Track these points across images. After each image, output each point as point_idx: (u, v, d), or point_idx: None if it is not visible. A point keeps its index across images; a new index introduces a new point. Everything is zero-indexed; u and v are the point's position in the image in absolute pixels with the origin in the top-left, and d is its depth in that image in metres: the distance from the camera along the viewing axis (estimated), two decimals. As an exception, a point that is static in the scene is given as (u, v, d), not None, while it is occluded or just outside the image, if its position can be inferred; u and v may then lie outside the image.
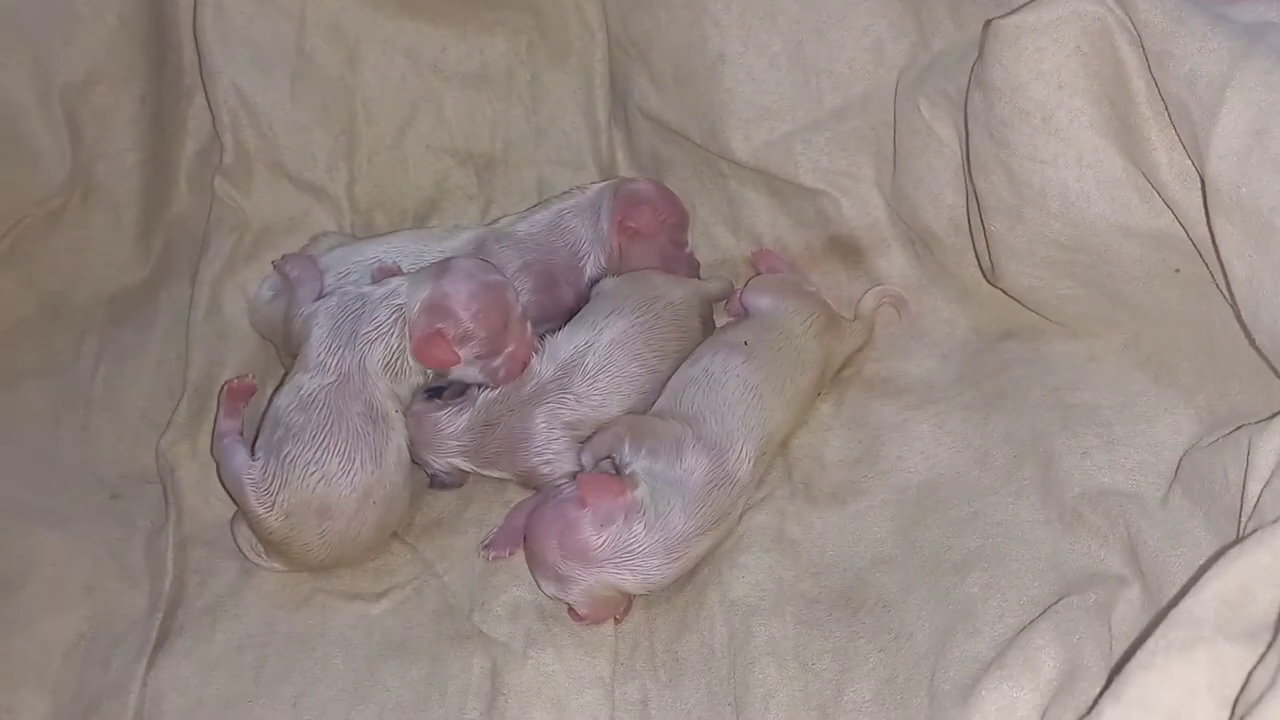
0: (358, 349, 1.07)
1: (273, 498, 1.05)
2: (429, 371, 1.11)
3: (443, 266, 1.11)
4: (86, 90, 1.21)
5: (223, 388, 1.16)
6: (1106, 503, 0.93)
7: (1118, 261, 0.99)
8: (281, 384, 1.10)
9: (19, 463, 1.15)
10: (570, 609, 1.01)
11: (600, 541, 0.98)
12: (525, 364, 1.12)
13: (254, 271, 1.27)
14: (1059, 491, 0.97)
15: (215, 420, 1.15)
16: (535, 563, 1.01)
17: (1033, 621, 0.85)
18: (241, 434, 1.11)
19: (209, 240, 1.29)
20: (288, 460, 1.04)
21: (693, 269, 1.27)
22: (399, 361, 1.08)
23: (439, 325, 1.08)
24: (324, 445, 1.04)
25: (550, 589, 1.01)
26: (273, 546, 1.07)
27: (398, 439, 1.08)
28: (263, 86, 1.25)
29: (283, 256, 1.20)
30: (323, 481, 1.04)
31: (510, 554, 1.08)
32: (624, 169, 1.34)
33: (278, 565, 1.10)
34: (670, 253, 1.25)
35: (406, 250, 1.19)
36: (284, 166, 1.29)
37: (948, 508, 1.02)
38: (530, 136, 1.33)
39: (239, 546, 1.11)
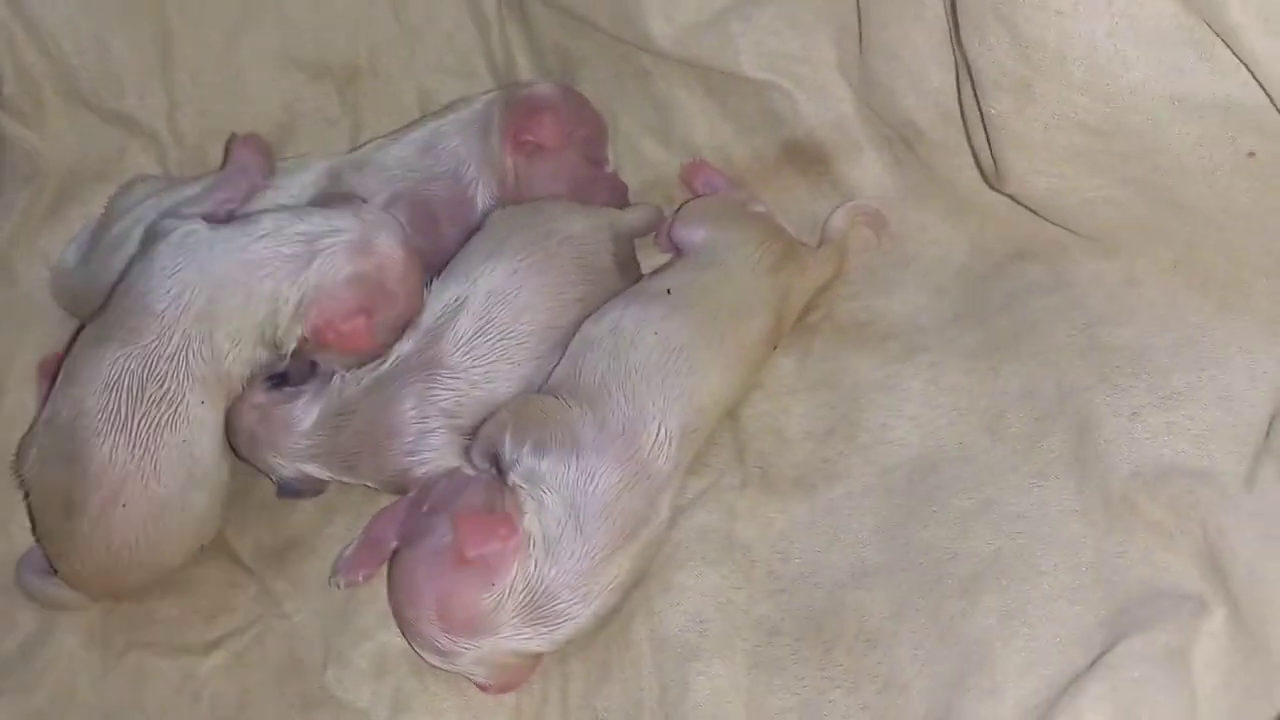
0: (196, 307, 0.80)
1: (23, 474, 0.82)
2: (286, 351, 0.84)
3: (363, 220, 0.84)
4: None
5: (40, 366, 0.91)
6: (1170, 485, 0.67)
7: (1167, 147, 0.72)
8: None
9: None
10: (479, 684, 0.76)
11: (493, 603, 0.73)
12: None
13: (57, 231, 1.02)
14: (1102, 469, 0.70)
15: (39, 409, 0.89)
16: (409, 631, 0.76)
17: (1078, 681, 0.59)
18: None
19: (-1, 192, 1.02)
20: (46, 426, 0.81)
21: (616, 194, 1.00)
22: (254, 335, 0.82)
23: (366, 305, 0.82)
24: (79, 410, 0.79)
25: (434, 661, 0.76)
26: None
27: (185, 436, 0.81)
28: (39, -14, 0.97)
29: None
30: (64, 463, 0.79)
31: (365, 579, 0.82)
32: (525, 74, 1.07)
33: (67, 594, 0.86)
34: (584, 174, 0.98)
35: None
36: (81, 93, 1.02)
37: (950, 495, 0.76)
38: (402, 40, 1.06)
39: (19, 581, 0.86)
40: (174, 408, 0.80)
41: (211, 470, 0.83)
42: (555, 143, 0.96)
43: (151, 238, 0.86)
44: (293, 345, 0.83)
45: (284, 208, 0.86)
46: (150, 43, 1.01)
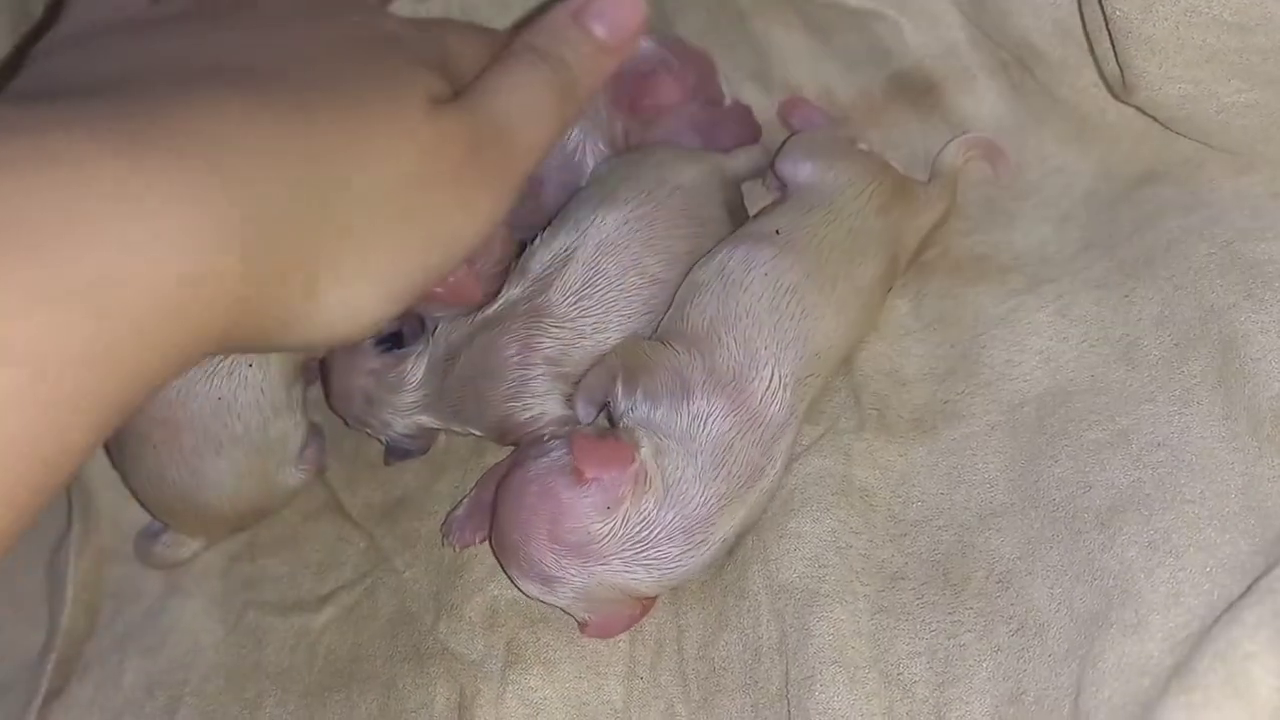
0: None
1: None
2: None
3: None
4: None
5: None
6: (1328, 404, 0.61)
7: (1317, 39, 0.65)
8: None
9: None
10: (580, 623, 0.74)
11: (606, 530, 0.70)
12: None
13: None
14: (1250, 390, 0.65)
15: None
16: (513, 556, 0.73)
17: (1232, 607, 0.54)
18: None
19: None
20: None
21: (743, 122, 0.95)
22: None
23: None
24: None
25: (533, 590, 0.73)
26: None
27: (221, 393, 0.80)
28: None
29: None
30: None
31: (480, 541, 0.81)
32: (621, 25, 1.03)
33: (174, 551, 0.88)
34: (707, 119, 0.94)
35: None
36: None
37: (1083, 428, 0.70)
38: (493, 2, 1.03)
39: (148, 559, 0.87)
40: (217, 362, 0.80)
41: (255, 430, 0.82)
42: (677, 101, 0.93)
43: None
44: None
45: None
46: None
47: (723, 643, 0.73)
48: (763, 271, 0.78)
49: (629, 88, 0.93)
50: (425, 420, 0.85)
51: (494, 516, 0.76)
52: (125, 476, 0.86)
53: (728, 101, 0.96)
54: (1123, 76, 0.74)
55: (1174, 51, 0.69)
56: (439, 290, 0.82)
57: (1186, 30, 0.68)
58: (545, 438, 0.79)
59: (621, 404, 0.76)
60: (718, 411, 0.72)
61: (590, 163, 0.94)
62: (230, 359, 0.80)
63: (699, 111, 0.94)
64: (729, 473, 0.72)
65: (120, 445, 0.83)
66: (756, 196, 0.96)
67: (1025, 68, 0.85)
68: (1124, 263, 0.78)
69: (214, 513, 0.84)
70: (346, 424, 0.88)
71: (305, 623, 0.82)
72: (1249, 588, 0.54)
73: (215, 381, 0.80)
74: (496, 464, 0.84)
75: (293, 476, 0.87)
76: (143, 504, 0.87)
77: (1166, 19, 0.68)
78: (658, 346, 0.77)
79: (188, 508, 0.84)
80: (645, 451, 0.72)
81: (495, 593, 0.79)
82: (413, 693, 0.76)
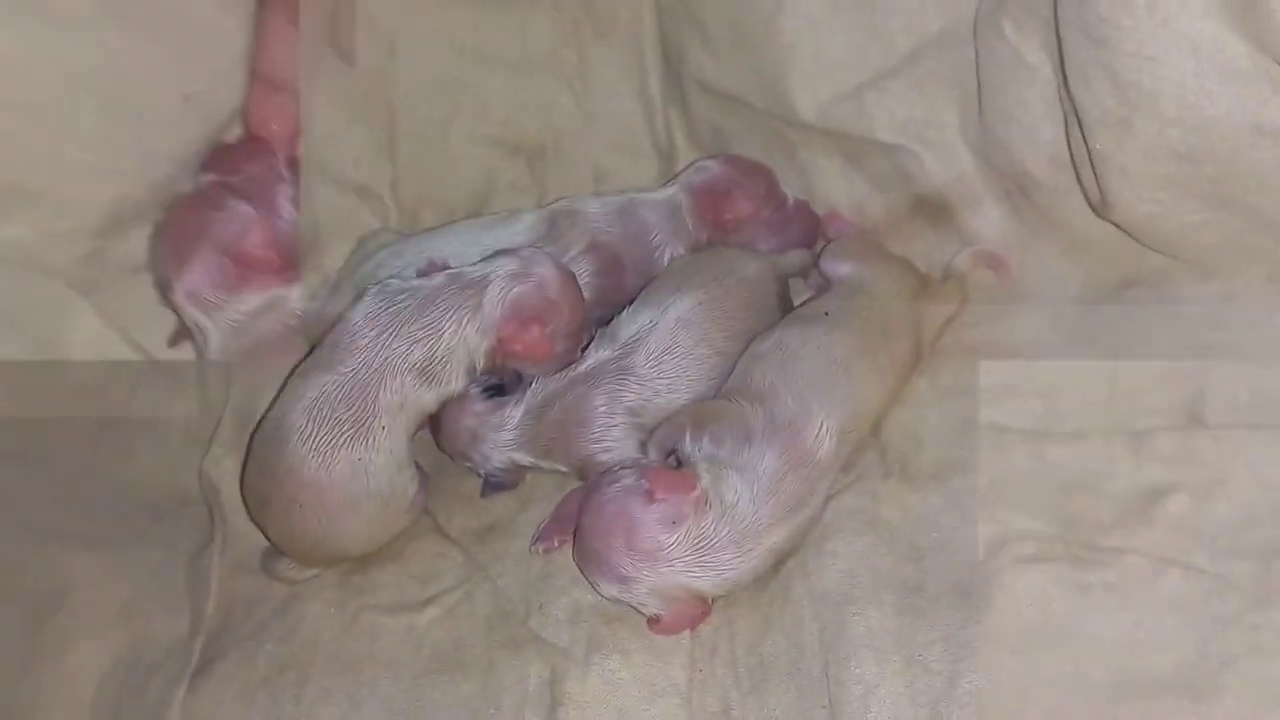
0: (394, 346, 0.95)
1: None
2: (473, 375, 1.00)
3: (520, 256, 1.01)
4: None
5: None
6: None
7: (1253, 170, 0.84)
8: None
9: (56, 485, 1.08)
10: (649, 620, 0.89)
11: (673, 540, 0.87)
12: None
13: (307, 279, 1.18)
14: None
15: None
16: (594, 562, 0.89)
17: None
18: None
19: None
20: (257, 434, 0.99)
21: (805, 219, 1.16)
22: (445, 363, 0.97)
23: (536, 317, 0.98)
24: (280, 424, 0.95)
25: (611, 591, 0.89)
26: None
27: (361, 455, 0.94)
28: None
29: None
30: (260, 467, 0.96)
31: (560, 545, 0.97)
32: (683, 150, 1.25)
33: (295, 572, 1.02)
34: (776, 221, 1.14)
35: (466, 241, 1.09)
36: (328, 169, 1.21)
37: (1061, 467, 0.89)
38: (580, 122, 1.24)
39: (273, 574, 1.02)
40: (356, 430, 0.93)
41: (385, 485, 0.96)
42: (752, 211, 1.13)
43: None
44: (483, 364, 0.98)
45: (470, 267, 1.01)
46: (380, 130, 1.21)
47: (769, 641, 0.88)
48: (816, 345, 0.96)
49: (711, 206, 1.13)
50: (519, 457, 1.02)
51: (577, 531, 0.92)
52: (267, 530, 0.99)
53: (790, 202, 1.16)
54: (1102, 198, 0.93)
55: (1141, 178, 0.88)
56: (517, 348, 0.98)
57: (1151, 161, 0.87)
58: (617, 469, 0.95)
59: (690, 447, 0.92)
60: (774, 451, 0.89)
61: (665, 259, 1.14)
62: (364, 424, 0.93)
63: (770, 215, 1.14)
64: (778, 500, 0.89)
65: (264, 504, 0.96)
66: (798, 290, 1.15)
67: (1024, 193, 1.04)
68: (1104, 349, 0.95)
69: (342, 554, 1.00)
70: (452, 459, 1.04)
71: (411, 621, 0.96)
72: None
73: (354, 446, 0.93)
74: (575, 487, 1.00)
75: (404, 519, 1.02)
76: (279, 548, 1.01)
77: (1136, 151, 0.87)
78: (723, 403, 0.95)
79: (322, 552, 0.99)
80: (705, 480, 0.88)
81: (578, 595, 0.94)
82: (509, 673, 0.90)
